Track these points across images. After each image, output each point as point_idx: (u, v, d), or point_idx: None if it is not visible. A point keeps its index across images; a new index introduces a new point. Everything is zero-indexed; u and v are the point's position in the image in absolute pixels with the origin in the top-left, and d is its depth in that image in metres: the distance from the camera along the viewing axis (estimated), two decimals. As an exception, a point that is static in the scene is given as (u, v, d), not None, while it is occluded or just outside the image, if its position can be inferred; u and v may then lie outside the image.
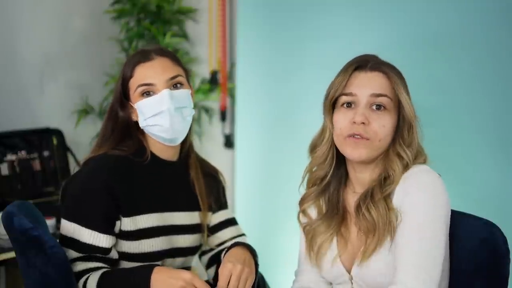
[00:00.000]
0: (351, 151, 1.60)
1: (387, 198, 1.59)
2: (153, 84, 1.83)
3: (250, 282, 1.73)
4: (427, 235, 1.52)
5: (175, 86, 1.85)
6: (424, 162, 1.63)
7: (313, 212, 1.75)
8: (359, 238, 1.65)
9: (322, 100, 1.69)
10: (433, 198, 1.55)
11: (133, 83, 1.85)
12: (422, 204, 1.54)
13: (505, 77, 2.12)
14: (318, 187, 1.72)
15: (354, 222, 1.66)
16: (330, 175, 1.69)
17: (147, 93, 1.83)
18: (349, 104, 1.62)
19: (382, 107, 1.60)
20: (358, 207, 1.62)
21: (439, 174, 1.59)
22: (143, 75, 1.83)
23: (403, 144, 1.60)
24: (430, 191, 1.55)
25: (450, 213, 1.58)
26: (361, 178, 1.66)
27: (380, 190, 1.59)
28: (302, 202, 1.76)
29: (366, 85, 1.60)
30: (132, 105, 1.86)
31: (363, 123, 1.58)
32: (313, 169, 1.73)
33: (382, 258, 1.57)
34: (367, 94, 1.60)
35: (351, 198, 1.69)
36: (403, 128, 1.61)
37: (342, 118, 1.62)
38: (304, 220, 1.76)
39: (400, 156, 1.60)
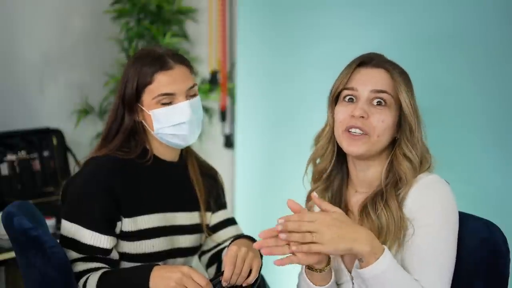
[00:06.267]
0: (347, 145, 1.61)
1: (399, 203, 1.58)
2: (174, 94, 1.83)
3: (257, 266, 1.73)
4: (442, 247, 1.53)
5: (192, 95, 1.87)
6: (429, 167, 1.62)
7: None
8: None
9: (322, 100, 1.69)
10: (447, 211, 1.55)
11: (152, 90, 1.83)
12: (439, 217, 1.54)
13: (505, 77, 2.12)
14: (321, 183, 1.72)
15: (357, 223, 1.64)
16: (330, 169, 1.69)
17: (166, 102, 1.84)
18: (350, 99, 1.63)
19: (383, 103, 1.60)
20: (364, 208, 1.61)
21: (447, 182, 1.59)
22: (163, 84, 1.83)
23: (408, 144, 1.60)
24: (444, 205, 1.55)
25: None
26: (362, 177, 1.66)
27: (395, 193, 1.58)
28: (309, 198, 1.77)
29: (368, 81, 1.61)
30: (145, 110, 1.85)
31: (362, 117, 1.59)
32: (316, 161, 1.73)
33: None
34: (368, 90, 1.60)
35: (353, 198, 1.68)
36: (405, 128, 1.61)
37: (342, 111, 1.63)
38: None
39: (407, 157, 1.60)
